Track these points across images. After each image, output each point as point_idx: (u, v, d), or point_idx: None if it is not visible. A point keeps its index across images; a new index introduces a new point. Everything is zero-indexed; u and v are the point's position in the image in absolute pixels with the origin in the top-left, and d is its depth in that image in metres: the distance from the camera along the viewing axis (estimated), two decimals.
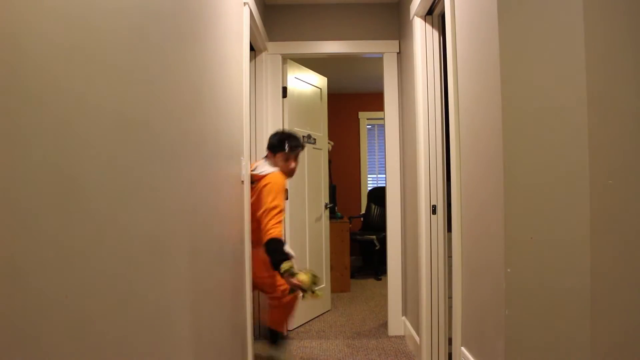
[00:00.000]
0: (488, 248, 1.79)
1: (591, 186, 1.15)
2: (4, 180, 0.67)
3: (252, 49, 3.50)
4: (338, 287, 5.16)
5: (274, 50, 3.68)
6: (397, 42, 3.70)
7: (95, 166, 0.93)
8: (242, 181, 2.48)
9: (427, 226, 2.88)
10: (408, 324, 3.46)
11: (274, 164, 2.87)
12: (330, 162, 5.07)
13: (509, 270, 1.51)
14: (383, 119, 3.83)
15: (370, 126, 7.08)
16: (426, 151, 2.90)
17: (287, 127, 3.77)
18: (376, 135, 7.08)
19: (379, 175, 7.07)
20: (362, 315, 4.28)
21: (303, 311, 3.90)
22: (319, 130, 4.30)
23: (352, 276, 6.00)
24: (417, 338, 3.11)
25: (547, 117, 1.34)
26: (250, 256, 2.59)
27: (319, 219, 4.24)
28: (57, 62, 0.81)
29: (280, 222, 2.64)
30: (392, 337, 3.63)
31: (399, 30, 3.70)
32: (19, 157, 0.71)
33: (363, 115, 7.00)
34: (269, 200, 2.64)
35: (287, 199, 3.64)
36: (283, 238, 2.68)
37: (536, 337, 1.39)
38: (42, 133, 0.76)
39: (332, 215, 5.48)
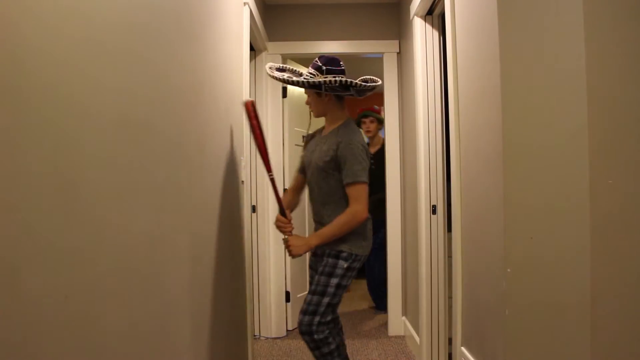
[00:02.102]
0: (488, 248, 1.79)
1: (591, 186, 1.15)
2: (4, 180, 0.67)
3: (252, 48, 3.49)
4: None
5: (274, 50, 3.68)
6: (397, 42, 3.69)
7: (95, 166, 0.93)
8: (242, 181, 2.48)
9: (427, 226, 2.87)
10: (408, 324, 3.46)
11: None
12: None
13: (509, 270, 1.51)
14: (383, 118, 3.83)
15: None
16: (426, 151, 2.89)
17: (287, 127, 3.76)
18: None
19: None
20: (362, 315, 4.27)
21: None
22: None
23: None
24: (417, 338, 3.11)
25: (547, 117, 1.33)
26: (250, 256, 2.58)
27: None
28: (57, 61, 0.80)
29: None
30: (392, 337, 3.63)
31: (399, 30, 3.70)
32: (19, 156, 0.71)
33: None
34: None
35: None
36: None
37: (536, 337, 1.39)
38: (41, 132, 0.76)
39: None
